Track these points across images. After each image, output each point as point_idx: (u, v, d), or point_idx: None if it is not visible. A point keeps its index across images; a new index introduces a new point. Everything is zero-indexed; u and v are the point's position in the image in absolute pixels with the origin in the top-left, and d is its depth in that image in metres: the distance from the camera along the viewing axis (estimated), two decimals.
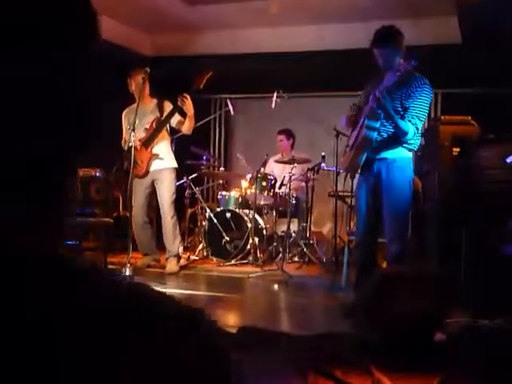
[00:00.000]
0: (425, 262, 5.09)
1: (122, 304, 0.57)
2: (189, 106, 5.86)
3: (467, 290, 4.26)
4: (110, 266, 6.01)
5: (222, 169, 8.07)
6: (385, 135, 4.26)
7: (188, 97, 5.82)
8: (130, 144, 5.61)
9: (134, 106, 5.89)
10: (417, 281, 3.17)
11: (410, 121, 4.16)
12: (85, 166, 7.10)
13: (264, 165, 7.17)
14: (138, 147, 5.97)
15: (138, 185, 6.06)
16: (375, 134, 4.22)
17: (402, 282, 3.13)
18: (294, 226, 7.30)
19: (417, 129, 4.22)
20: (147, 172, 6.04)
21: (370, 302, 3.08)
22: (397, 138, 4.23)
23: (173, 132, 6.33)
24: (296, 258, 7.06)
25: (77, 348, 0.52)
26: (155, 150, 6.05)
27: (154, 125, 6.00)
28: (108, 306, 0.56)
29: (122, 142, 6.02)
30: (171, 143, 6.31)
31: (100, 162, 6.98)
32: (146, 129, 6.02)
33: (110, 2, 7.15)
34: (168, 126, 6.12)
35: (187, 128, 6.05)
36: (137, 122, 5.77)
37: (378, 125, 4.19)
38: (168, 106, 6.02)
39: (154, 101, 6.13)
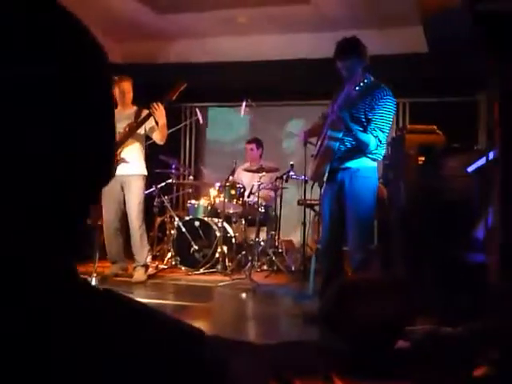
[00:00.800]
0: (390, 269, 5.13)
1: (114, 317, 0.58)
2: (160, 115, 5.84)
3: (432, 298, 4.29)
4: None
5: (191, 177, 8.05)
6: (348, 145, 4.29)
7: (160, 106, 5.81)
8: None
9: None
10: (379, 288, 3.19)
11: (371, 133, 4.18)
12: None
13: (232, 173, 7.18)
14: None
15: (107, 191, 5.99)
16: (337, 144, 4.25)
17: (363, 289, 3.14)
18: (263, 235, 7.31)
19: (379, 141, 4.22)
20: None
21: (331, 310, 3.09)
22: (360, 148, 4.27)
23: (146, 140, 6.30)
24: (265, 267, 7.05)
25: (69, 356, 0.52)
26: (123, 155, 6.01)
27: (126, 129, 5.97)
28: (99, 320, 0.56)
29: None
30: (144, 150, 6.25)
31: None
32: (119, 133, 6.00)
33: (78, 9, 7.09)
34: (143, 133, 6.09)
35: (159, 137, 6.02)
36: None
37: (340, 135, 4.23)
38: (145, 113, 6.00)
39: (134, 108, 6.12)
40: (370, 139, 4.18)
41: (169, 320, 0.62)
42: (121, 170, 5.95)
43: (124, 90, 6.00)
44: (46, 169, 0.54)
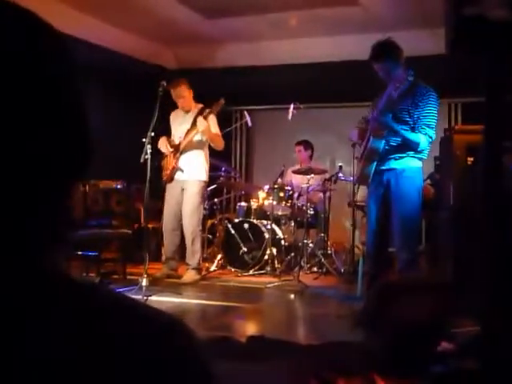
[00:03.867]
0: (438, 270, 5.06)
1: (105, 314, 0.58)
2: (205, 130, 6.00)
3: (479, 300, 4.22)
4: (129, 277, 6.10)
5: (240, 180, 8.12)
6: (394, 144, 4.28)
7: (203, 120, 5.96)
8: (149, 151, 5.66)
9: (180, 109, 6.31)
10: (421, 288, 3.17)
11: (420, 131, 4.18)
12: (106, 178, 7.22)
13: (281, 176, 7.22)
14: (168, 153, 6.18)
15: (169, 191, 6.31)
16: (382, 145, 4.24)
17: (405, 289, 3.13)
18: (313, 237, 7.31)
19: (430, 137, 4.24)
20: (172, 178, 6.19)
21: (373, 311, 3.09)
22: (405, 147, 4.25)
23: None
24: (314, 269, 7.05)
25: (54, 356, 0.53)
26: (183, 159, 6.18)
27: (186, 136, 6.15)
28: (88, 315, 0.57)
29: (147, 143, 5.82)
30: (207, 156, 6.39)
31: (121, 173, 7.11)
32: (180, 137, 6.17)
33: (129, 16, 7.28)
34: (201, 138, 6.21)
35: (213, 145, 6.25)
36: (176, 127, 6.26)
37: (382, 144, 4.23)
38: (206, 112, 6.12)
39: (198, 107, 6.26)
40: (419, 137, 4.18)
41: (152, 313, 0.62)
42: (179, 174, 6.15)
43: (180, 94, 6.15)
44: (12, 164, 0.55)
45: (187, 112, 6.25)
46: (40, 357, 0.53)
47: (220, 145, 6.24)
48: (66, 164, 0.61)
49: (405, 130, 4.20)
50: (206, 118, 5.94)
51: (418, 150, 4.25)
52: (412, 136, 4.18)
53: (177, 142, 6.21)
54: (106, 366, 0.54)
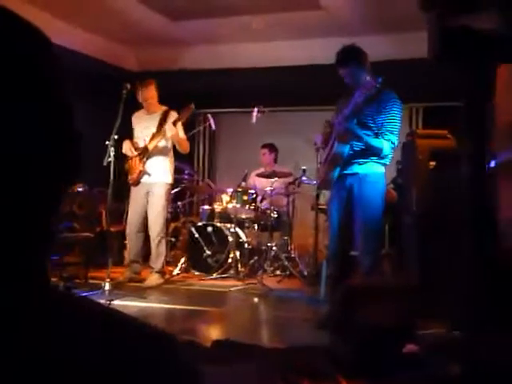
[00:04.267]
0: (401, 274, 5.12)
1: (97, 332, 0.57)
2: (173, 135, 5.98)
3: (443, 302, 4.28)
4: (91, 281, 6.02)
5: (204, 183, 8.10)
6: (357, 149, 4.31)
7: (172, 127, 5.93)
8: (112, 154, 5.62)
9: (142, 111, 6.26)
10: (385, 292, 3.19)
11: (383, 137, 4.23)
12: None
13: (244, 179, 7.22)
14: (134, 157, 6.13)
15: (134, 193, 6.27)
16: (346, 150, 4.27)
17: (369, 293, 3.15)
18: (276, 240, 7.32)
19: (392, 143, 4.28)
20: (138, 182, 6.13)
21: (338, 314, 3.10)
22: (368, 152, 4.29)
23: None
24: (278, 272, 7.05)
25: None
26: (149, 162, 6.14)
27: (152, 139, 6.10)
28: (79, 334, 0.56)
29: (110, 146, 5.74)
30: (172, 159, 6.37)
31: (83, 176, 7.00)
32: (144, 140, 6.12)
33: (94, 18, 7.21)
34: (167, 141, 6.17)
35: (180, 149, 6.24)
36: (141, 130, 6.17)
37: (347, 149, 4.26)
38: (172, 116, 6.08)
39: (162, 109, 6.23)
40: (382, 143, 4.23)
41: (136, 324, 0.61)
42: (145, 177, 6.11)
43: (148, 95, 6.13)
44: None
45: (151, 114, 6.19)
46: (31, 367, 0.52)
47: (186, 149, 6.27)
48: (57, 168, 0.60)
49: (368, 135, 4.24)
50: (174, 124, 5.91)
51: (381, 155, 4.29)
52: (375, 142, 4.23)
53: (141, 145, 6.16)
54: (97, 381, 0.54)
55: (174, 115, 6.06)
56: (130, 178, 6.21)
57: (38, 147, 0.57)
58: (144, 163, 6.11)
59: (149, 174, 6.11)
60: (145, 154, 6.11)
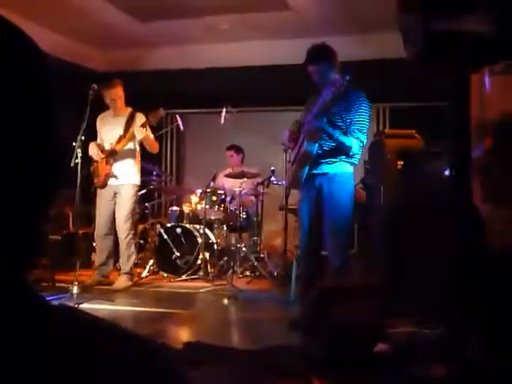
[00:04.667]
0: (370, 274, 5.15)
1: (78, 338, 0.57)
2: (144, 137, 5.96)
3: (413, 301, 4.31)
4: (58, 284, 5.93)
5: (172, 184, 8.06)
6: (326, 148, 4.32)
7: (139, 130, 5.89)
8: (80, 155, 5.56)
9: (108, 112, 6.16)
10: (356, 292, 3.21)
11: (352, 135, 4.24)
12: None
13: (213, 179, 7.20)
14: (101, 159, 6.04)
15: (101, 196, 6.18)
16: (315, 149, 4.28)
17: (341, 294, 3.16)
18: (246, 241, 7.31)
19: (361, 142, 4.30)
20: (105, 184, 6.06)
21: (310, 315, 3.11)
22: (337, 152, 4.30)
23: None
24: (247, 273, 7.05)
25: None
26: (117, 163, 6.07)
27: (119, 141, 6.02)
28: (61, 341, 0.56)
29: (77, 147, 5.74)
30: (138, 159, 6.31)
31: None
32: (111, 143, 6.04)
33: (61, 18, 7.12)
34: (136, 140, 6.11)
35: (150, 150, 6.20)
36: (106, 133, 6.09)
37: (315, 147, 4.26)
38: (139, 118, 6.01)
39: (128, 111, 6.15)
40: (352, 142, 4.24)
41: (121, 332, 0.62)
42: (112, 179, 6.04)
43: (115, 96, 6.04)
44: None
45: (117, 116, 6.13)
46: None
47: (156, 149, 6.26)
48: (45, 173, 0.60)
49: (339, 133, 4.25)
50: (144, 126, 5.85)
51: (350, 154, 4.31)
52: (345, 140, 4.24)
53: (107, 148, 6.08)
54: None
55: (140, 117, 5.99)
56: (96, 180, 6.12)
57: (26, 155, 0.57)
58: (111, 165, 6.04)
59: (116, 177, 6.05)
60: (112, 156, 6.04)
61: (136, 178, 6.19)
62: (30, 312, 0.56)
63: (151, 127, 6.13)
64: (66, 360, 0.54)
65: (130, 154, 6.13)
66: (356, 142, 4.26)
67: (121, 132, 6.02)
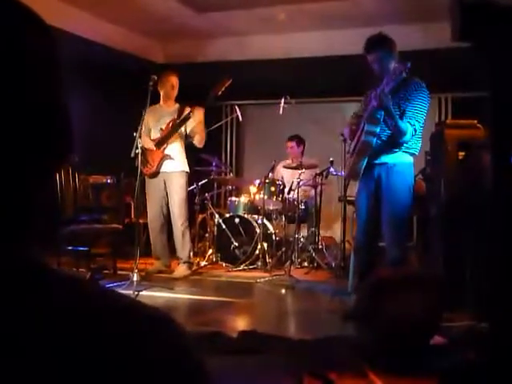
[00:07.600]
0: (429, 266, 5.07)
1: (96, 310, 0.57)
2: (198, 118, 5.96)
3: (471, 294, 4.24)
4: (119, 272, 6.08)
5: (231, 175, 8.11)
6: (384, 139, 4.28)
7: (198, 110, 5.91)
8: (140, 145, 5.63)
9: (157, 105, 6.20)
10: (413, 284, 3.17)
11: (409, 122, 4.18)
12: (96, 173, 7.20)
13: (272, 170, 7.21)
14: (152, 147, 6.11)
15: (151, 188, 6.22)
16: (375, 139, 4.23)
17: (397, 285, 3.13)
18: (304, 232, 7.31)
19: (415, 130, 4.23)
20: (157, 172, 6.13)
21: (366, 305, 3.09)
22: (396, 142, 4.25)
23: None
24: (305, 263, 7.06)
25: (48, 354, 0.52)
26: (167, 151, 6.13)
27: (169, 126, 6.08)
28: (80, 313, 0.55)
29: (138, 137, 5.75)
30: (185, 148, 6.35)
31: (111, 168, 7.09)
32: (161, 129, 6.12)
33: (121, 11, 7.26)
34: (184, 131, 6.18)
35: (197, 140, 6.16)
36: (155, 122, 6.13)
37: (377, 129, 4.21)
38: (187, 111, 6.07)
39: (177, 105, 6.23)
40: (407, 127, 4.18)
41: (129, 304, 0.60)
42: (164, 167, 6.08)
43: (173, 83, 6.15)
44: None
45: (167, 107, 6.22)
46: (26, 353, 0.52)
47: (203, 141, 6.19)
48: (43, 140, 0.59)
49: (397, 118, 4.19)
50: (198, 107, 5.92)
51: (403, 140, 4.24)
52: (401, 124, 4.18)
53: (158, 135, 6.15)
54: (96, 366, 0.53)
55: (188, 110, 6.06)
56: (146, 169, 6.09)
57: (15, 120, 0.56)
58: (163, 150, 6.11)
59: (172, 159, 6.11)
60: (162, 143, 6.11)
61: (186, 166, 6.22)
62: (29, 285, 0.55)
63: (211, 119, 6.17)
64: (66, 334, 0.53)
65: (180, 141, 6.19)
66: (410, 129, 4.20)
67: (168, 120, 6.10)
